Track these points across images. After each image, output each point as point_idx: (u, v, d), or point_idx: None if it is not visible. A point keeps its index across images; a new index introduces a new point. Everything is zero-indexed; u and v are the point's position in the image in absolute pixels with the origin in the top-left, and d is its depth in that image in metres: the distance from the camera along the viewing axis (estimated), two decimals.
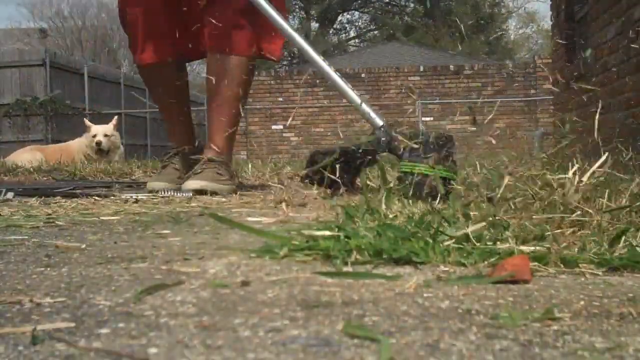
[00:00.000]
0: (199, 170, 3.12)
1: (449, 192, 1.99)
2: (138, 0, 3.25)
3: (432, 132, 2.43)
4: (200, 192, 3.00)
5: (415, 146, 2.38)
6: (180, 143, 3.43)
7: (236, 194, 3.04)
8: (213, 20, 3.09)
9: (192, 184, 3.04)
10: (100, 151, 8.43)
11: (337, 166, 2.36)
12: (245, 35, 3.15)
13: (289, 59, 32.51)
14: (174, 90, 3.40)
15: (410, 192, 2.12)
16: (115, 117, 9.25)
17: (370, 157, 2.65)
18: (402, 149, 2.46)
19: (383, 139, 2.59)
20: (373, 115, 2.72)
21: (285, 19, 2.97)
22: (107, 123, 8.99)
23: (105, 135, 8.52)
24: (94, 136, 8.50)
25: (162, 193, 3.16)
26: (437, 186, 1.96)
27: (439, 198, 1.81)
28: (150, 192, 3.20)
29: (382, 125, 2.65)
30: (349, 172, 2.64)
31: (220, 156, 3.20)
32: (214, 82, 3.15)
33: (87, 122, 8.87)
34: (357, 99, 2.79)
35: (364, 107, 2.74)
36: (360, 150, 2.62)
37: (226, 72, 3.16)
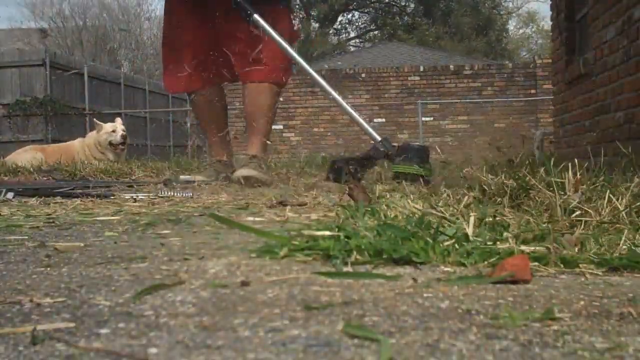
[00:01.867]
0: (247, 164, 3.87)
1: (428, 182, 2.95)
2: (180, 41, 3.99)
3: (414, 144, 3.53)
4: (248, 178, 3.60)
5: (403, 154, 3.34)
6: (219, 155, 4.21)
7: (272, 184, 3.71)
8: (261, 55, 3.88)
9: (243, 172, 3.70)
10: (123, 145, 8.38)
11: (353, 168, 3.38)
12: (278, 68, 3.96)
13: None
14: (214, 113, 4.18)
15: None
16: (118, 118, 9.25)
17: (373, 162, 3.58)
18: (394, 156, 3.38)
19: (382, 149, 3.50)
20: (373, 132, 3.61)
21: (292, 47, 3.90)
22: (106, 123, 8.98)
23: (123, 130, 8.49)
24: (114, 131, 8.40)
25: (162, 193, 3.17)
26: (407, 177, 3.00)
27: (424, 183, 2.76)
28: (193, 182, 3.87)
29: (381, 139, 3.54)
30: (360, 172, 3.53)
31: (261, 154, 3.97)
32: (254, 105, 3.98)
33: (97, 121, 8.80)
34: (361, 119, 3.72)
35: (366, 125, 3.70)
36: (367, 157, 3.57)
37: (264, 97, 3.96)
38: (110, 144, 8.30)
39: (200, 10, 3.98)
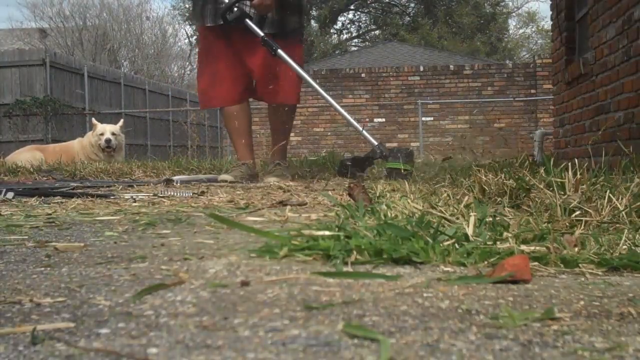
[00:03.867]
0: (273, 170, 4.80)
1: (410, 175, 4.04)
2: (217, 67, 4.85)
3: (402, 148, 4.66)
4: (277, 181, 4.43)
5: (393, 154, 4.38)
6: (245, 159, 4.97)
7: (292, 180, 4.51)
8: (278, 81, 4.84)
9: (272, 179, 4.57)
10: (109, 149, 8.38)
11: (357, 165, 4.62)
12: (296, 89, 4.99)
13: None
14: (242, 124, 4.99)
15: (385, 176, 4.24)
16: (122, 120, 9.25)
17: (372, 161, 4.68)
18: (387, 156, 4.38)
19: (378, 151, 4.50)
20: (370, 137, 4.68)
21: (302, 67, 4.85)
22: (105, 123, 8.97)
23: (113, 134, 8.45)
24: (102, 134, 8.42)
25: (161, 193, 3.17)
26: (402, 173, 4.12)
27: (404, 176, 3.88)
28: (221, 181, 4.55)
29: (377, 143, 4.57)
30: (361, 168, 4.69)
31: (283, 162, 4.95)
32: (276, 122, 5.02)
33: (94, 120, 8.80)
34: (363, 130, 4.75)
35: (365, 132, 4.74)
36: (367, 157, 4.67)
37: (284, 115, 4.98)
38: (99, 146, 8.40)
39: (232, 43, 4.84)
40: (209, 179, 4.86)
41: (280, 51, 4.64)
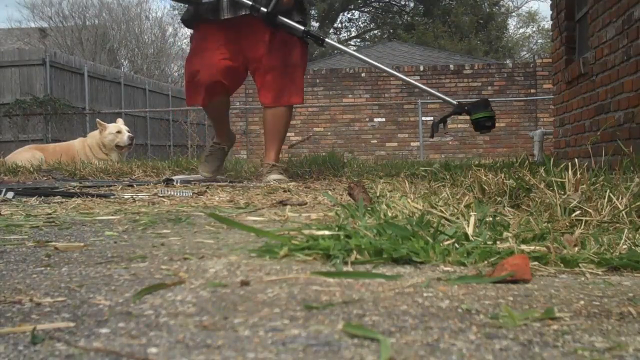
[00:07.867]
0: (270, 171, 4.63)
1: (494, 122, 4.55)
2: (205, 66, 4.66)
3: (479, 100, 4.66)
4: (279, 181, 4.36)
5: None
6: (224, 142, 5.07)
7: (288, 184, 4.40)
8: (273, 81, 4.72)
9: (273, 176, 4.49)
10: (130, 145, 8.27)
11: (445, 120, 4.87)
12: (292, 91, 4.80)
13: None
14: (222, 113, 5.04)
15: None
16: (119, 119, 9.20)
17: (448, 117, 4.86)
18: (470, 110, 4.53)
19: (459, 107, 4.60)
20: (448, 98, 4.84)
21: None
22: (109, 124, 8.94)
23: (128, 131, 8.38)
24: (119, 132, 8.25)
25: (161, 193, 3.17)
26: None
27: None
28: (200, 176, 4.72)
29: (457, 102, 4.69)
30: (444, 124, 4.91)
31: (278, 163, 4.82)
32: (271, 124, 4.80)
33: (100, 121, 8.69)
34: (434, 90, 5.02)
35: (439, 94, 4.97)
36: (451, 114, 4.79)
37: (279, 118, 4.79)
38: (117, 145, 8.16)
39: (227, 39, 4.64)
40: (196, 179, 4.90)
41: (328, 40, 4.73)
